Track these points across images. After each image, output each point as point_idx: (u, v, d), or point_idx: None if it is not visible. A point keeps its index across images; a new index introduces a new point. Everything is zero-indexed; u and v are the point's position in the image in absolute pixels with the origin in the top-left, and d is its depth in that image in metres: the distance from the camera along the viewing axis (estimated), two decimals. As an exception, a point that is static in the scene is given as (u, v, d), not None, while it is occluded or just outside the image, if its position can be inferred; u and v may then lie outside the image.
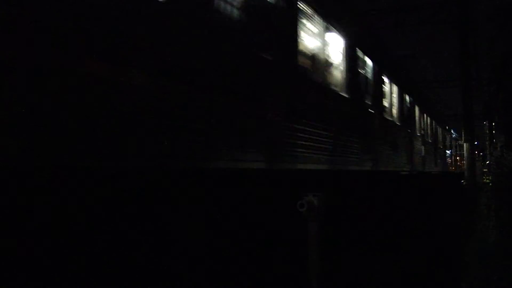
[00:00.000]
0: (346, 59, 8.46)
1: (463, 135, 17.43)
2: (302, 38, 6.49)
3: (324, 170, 6.74)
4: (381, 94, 11.50)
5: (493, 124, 26.01)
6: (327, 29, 7.42)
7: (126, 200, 3.13)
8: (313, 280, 3.92)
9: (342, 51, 8.35)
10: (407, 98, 15.11)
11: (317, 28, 7.07)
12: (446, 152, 26.71)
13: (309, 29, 6.76)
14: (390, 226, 7.06)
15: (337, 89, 8.01)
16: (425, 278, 5.17)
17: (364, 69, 9.90)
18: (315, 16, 6.91)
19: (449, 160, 30.32)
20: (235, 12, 4.74)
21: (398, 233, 6.57)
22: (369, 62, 10.31)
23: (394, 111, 13.00)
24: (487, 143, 33.28)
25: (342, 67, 8.34)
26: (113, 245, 3.08)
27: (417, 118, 16.91)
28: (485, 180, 27.38)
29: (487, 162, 33.48)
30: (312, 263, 3.94)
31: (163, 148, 3.57)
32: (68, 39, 2.88)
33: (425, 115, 19.14)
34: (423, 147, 17.98)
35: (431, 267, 5.68)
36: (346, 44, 8.42)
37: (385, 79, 11.96)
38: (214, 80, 4.19)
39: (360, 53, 9.55)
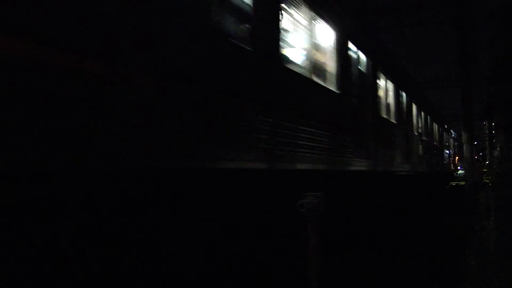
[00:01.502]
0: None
1: (462, 135, 17.42)
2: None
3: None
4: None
5: (493, 124, 25.97)
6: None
7: None
8: (313, 280, 3.90)
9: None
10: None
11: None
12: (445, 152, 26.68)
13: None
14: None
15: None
16: (425, 278, 5.17)
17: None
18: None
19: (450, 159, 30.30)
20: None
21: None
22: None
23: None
24: (487, 143, 33.25)
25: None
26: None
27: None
28: (485, 180, 27.36)
29: (487, 162, 33.46)
30: (311, 263, 3.91)
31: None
32: None
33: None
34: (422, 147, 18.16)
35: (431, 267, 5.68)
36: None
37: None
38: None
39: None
